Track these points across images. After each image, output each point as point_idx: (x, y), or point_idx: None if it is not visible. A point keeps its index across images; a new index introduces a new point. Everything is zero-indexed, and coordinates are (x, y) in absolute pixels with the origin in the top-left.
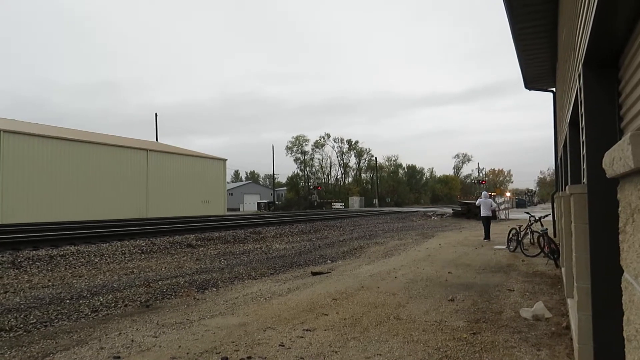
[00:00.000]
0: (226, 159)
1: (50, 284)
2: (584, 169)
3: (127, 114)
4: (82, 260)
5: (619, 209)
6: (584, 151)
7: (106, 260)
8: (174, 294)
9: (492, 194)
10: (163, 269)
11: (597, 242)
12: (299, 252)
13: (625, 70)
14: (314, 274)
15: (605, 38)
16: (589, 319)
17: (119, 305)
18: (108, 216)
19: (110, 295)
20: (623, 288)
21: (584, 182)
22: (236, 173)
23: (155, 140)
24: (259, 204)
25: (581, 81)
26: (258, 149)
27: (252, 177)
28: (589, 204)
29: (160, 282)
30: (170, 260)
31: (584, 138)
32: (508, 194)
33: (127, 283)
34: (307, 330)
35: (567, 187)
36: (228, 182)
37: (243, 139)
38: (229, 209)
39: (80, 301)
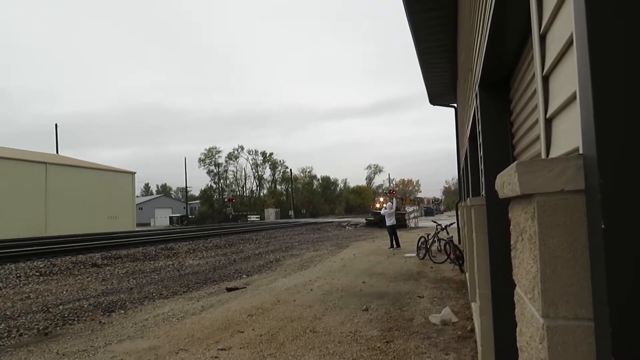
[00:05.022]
0: (135, 172)
1: None
2: (482, 182)
3: (22, 124)
4: None
5: (511, 227)
6: (482, 166)
7: None
8: (76, 318)
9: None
10: (64, 292)
11: (496, 252)
12: (213, 267)
13: (515, 92)
14: (229, 289)
15: (497, 63)
16: (490, 324)
17: (13, 335)
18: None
19: (3, 324)
20: (515, 301)
21: (482, 195)
22: (146, 186)
23: (55, 152)
24: (171, 218)
25: (478, 101)
26: (169, 161)
27: (164, 190)
28: (488, 216)
29: (61, 307)
30: (73, 281)
31: (481, 154)
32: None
33: (23, 309)
34: (222, 349)
35: (468, 199)
36: (138, 196)
37: (152, 151)
38: (139, 224)
39: None
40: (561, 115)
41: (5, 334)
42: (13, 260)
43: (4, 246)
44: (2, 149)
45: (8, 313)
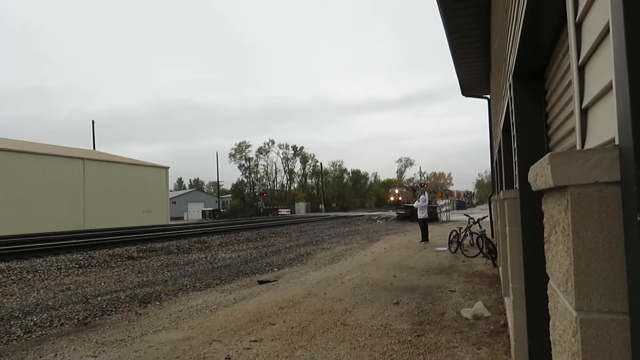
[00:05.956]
0: (168, 167)
1: None
2: (516, 175)
3: (59, 121)
4: (14, 277)
5: (544, 220)
6: (516, 158)
7: (40, 276)
8: (114, 309)
9: (427, 192)
10: (102, 284)
11: (529, 245)
12: (245, 260)
13: (550, 82)
14: (261, 282)
15: (532, 52)
16: (524, 318)
17: (55, 325)
18: (41, 229)
19: (45, 314)
20: (549, 294)
21: (516, 187)
22: (179, 181)
23: (92, 148)
24: (203, 212)
25: (512, 91)
26: (201, 156)
27: (196, 184)
28: (521, 209)
29: (99, 298)
30: (110, 274)
31: (515, 145)
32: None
33: (64, 300)
34: (254, 341)
35: (501, 192)
36: (171, 191)
37: (184, 145)
38: (172, 218)
39: (12, 322)
40: (597, 106)
41: (48, 324)
42: (54, 252)
43: (45, 239)
44: (43, 145)
45: (50, 303)
